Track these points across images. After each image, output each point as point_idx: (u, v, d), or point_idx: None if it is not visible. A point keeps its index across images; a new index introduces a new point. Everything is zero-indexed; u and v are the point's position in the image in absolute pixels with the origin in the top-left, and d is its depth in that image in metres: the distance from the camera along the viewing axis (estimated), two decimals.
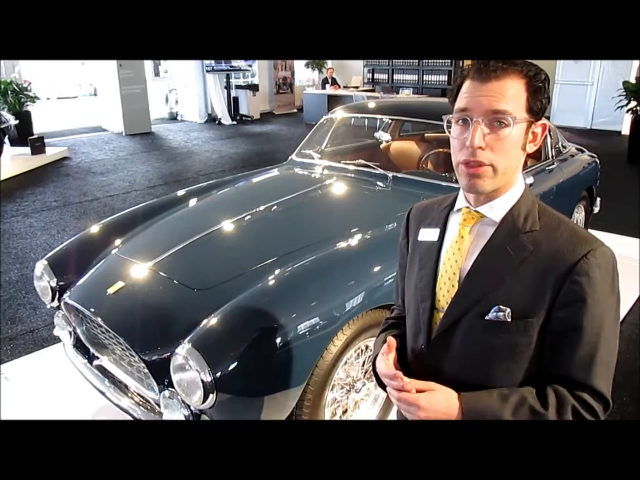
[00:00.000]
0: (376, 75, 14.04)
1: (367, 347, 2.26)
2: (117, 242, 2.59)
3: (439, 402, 0.94)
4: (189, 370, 1.70)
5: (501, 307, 0.95)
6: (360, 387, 2.24)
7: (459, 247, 1.03)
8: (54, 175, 7.66)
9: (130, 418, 2.06)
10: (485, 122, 0.94)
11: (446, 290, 1.04)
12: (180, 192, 3.18)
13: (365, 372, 2.31)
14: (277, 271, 2.07)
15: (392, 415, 2.43)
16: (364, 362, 2.27)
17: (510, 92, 0.93)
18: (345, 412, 2.27)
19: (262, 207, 2.67)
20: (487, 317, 0.97)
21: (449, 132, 1.01)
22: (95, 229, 2.74)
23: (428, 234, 1.12)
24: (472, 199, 1.04)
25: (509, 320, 0.95)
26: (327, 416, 2.12)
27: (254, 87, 13.42)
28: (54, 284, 2.37)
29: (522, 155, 1.00)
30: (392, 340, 1.06)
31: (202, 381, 1.66)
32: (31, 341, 3.34)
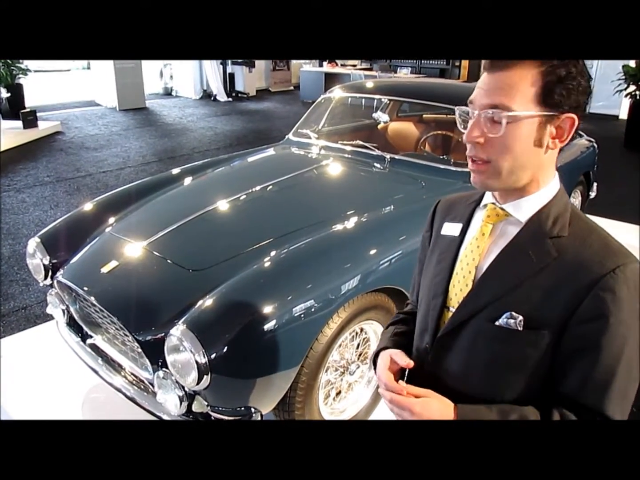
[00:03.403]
0: None
1: (362, 329, 2.26)
2: (111, 220, 2.56)
3: (433, 410, 0.88)
4: (184, 351, 1.69)
5: (514, 313, 0.88)
6: (355, 370, 2.25)
7: (477, 245, 0.97)
8: (46, 150, 7.56)
9: (123, 397, 2.06)
10: (485, 117, 0.87)
11: (459, 289, 0.98)
12: (175, 171, 3.15)
13: (360, 355, 2.31)
14: (272, 253, 2.06)
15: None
16: (358, 345, 2.28)
17: (515, 84, 0.85)
18: (338, 393, 2.28)
19: (258, 187, 2.64)
20: (497, 323, 0.90)
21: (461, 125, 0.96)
22: (88, 206, 2.70)
23: (451, 229, 1.06)
24: (498, 195, 0.97)
25: (520, 329, 0.87)
26: (321, 398, 2.13)
27: (250, 64, 13.22)
28: (46, 262, 2.35)
29: (540, 153, 0.89)
30: (400, 359, 0.99)
31: (197, 362, 1.66)
32: (24, 318, 3.32)
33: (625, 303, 0.82)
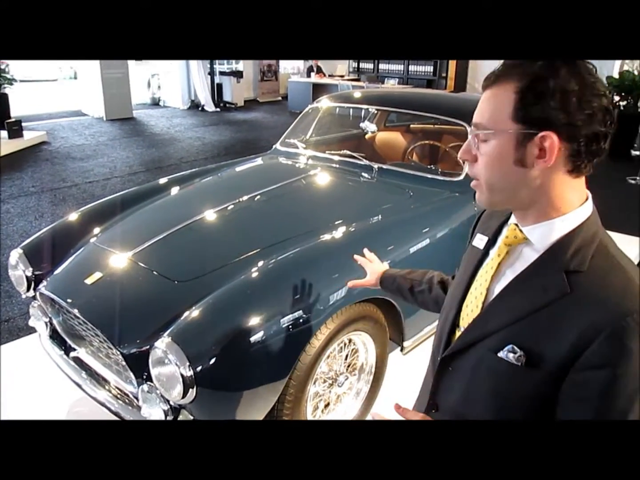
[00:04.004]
0: (362, 65, 13.97)
1: (350, 340, 2.24)
2: (96, 230, 2.52)
3: None
4: (169, 364, 1.66)
5: (515, 347, 0.82)
6: (343, 381, 2.23)
7: (492, 266, 0.92)
8: (32, 160, 7.49)
9: (107, 412, 2.01)
10: (473, 138, 0.87)
11: (470, 309, 0.94)
12: (162, 180, 3.11)
13: (348, 366, 2.29)
14: (260, 263, 2.03)
15: (374, 409, 2.42)
16: (346, 356, 2.25)
17: (493, 101, 0.83)
18: (327, 405, 2.25)
19: (245, 197, 2.62)
20: (499, 354, 0.84)
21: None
22: (73, 216, 2.66)
23: (479, 241, 1.01)
24: (516, 216, 0.91)
25: (519, 364, 0.81)
26: (309, 410, 2.10)
27: (238, 74, 13.26)
28: (29, 274, 2.30)
29: (527, 173, 0.82)
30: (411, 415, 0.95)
31: (182, 376, 1.62)
32: (6, 331, 3.26)
33: (636, 355, 0.73)
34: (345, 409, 2.33)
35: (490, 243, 0.99)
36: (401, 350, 2.47)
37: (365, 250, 1.59)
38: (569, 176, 0.83)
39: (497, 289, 0.90)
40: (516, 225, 0.90)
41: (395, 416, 0.93)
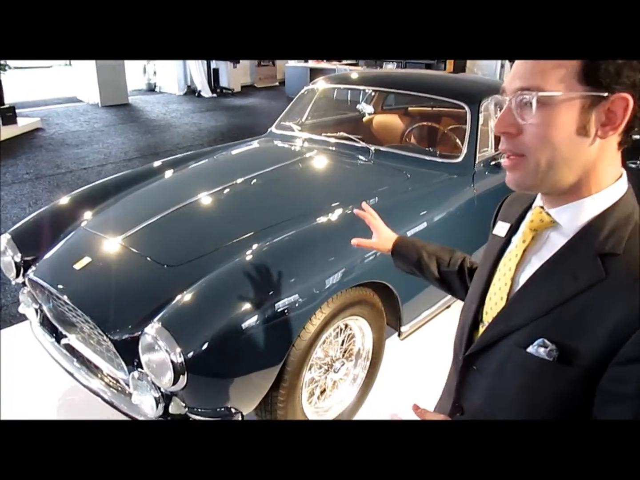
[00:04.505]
0: None
1: (346, 325, 2.20)
2: (87, 215, 2.46)
3: None
4: (159, 350, 1.61)
5: (546, 341, 0.74)
6: (339, 367, 2.18)
7: (516, 254, 0.84)
8: (26, 146, 7.39)
9: (100, 400, 1.97)
10: (516, 102, 0.74)
11: (494, 302, 0.86)
12: (156, 164, 3.05)
13: (345, 352, 2.25)
14: (254, 246, 1.98)
15: (371, 396, 2.38)
16: (343, 341, 2.21)
17: (552, 62, 0.72)
18: (323, 392, 2.21)
19: (239, 180, 2.56)
20: (528, 349, 0.76)
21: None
22: (64, 201, 2.60)
23: (500, 229, 0.93)
24: (544, 197, 0.82)
25: (551, 359, 0.73)
26: (305, 396, 2.06)
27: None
28: (18, 259, 2.25)
29: (587, 144, 0.72)
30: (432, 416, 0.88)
31: (172, 362, 1.58)
32: (0, 319, 3.21)
33: None
34: (342, 395, 2.29)
35: (513, 230, 0.90)
36: (399, 335, 2.43)
37: (364, 204, 1.43)
38: (617, 148, 0.75)
39: (523, 278, 0.82)
40: (541, 207, 0.82)
41: (413, 417, 0.86)
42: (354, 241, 1.34)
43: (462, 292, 1.20)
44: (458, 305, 2.74)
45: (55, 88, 12.81)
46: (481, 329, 0.88)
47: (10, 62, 9.68)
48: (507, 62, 9.88)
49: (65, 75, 13.85)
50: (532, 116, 0.73)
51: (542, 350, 0.74)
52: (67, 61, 15.44)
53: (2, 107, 8.07)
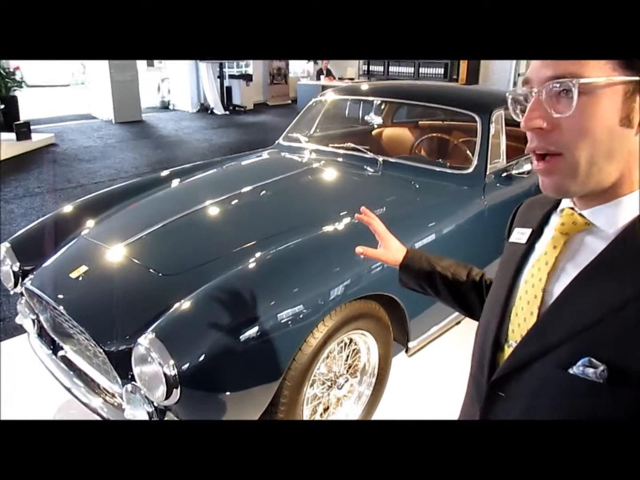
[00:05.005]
0: (372, 67, 13.83)
1: (351, 340, 2.11)
2: (90, 223, 2.42)
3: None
4: (152, 362, 1.54)
5: (594, 360, 0.63)
6: (343, 383, 2.09)
7: (547, 261, 0.74)
8: (39, 161, 7.46)
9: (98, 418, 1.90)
10: (548, 92, 0.66)
11: (522, 318, 0.75)
12: (163, 173, 3.02)
13: (349, 368, 2.16)
14: (257, 254, 1.92)
15: (377, 414, 2.29)
16: (347, 357, 2.12)
17: None
18: (326, 409, 2.12)
19: (244, 190, 2.51)
20: (571, 371, 0.64)
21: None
22: (67, 209, 2.57)
23: (519, 235, 0.84)
24: (577, 198, 0.73)
25: (601, 381, 0.62)
26: (307, 413, 1.97)
27: (247, 77, 13.20)
28: (16, 269, 2.20)
29: (630, 136, 0.65)
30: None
31: (165, 375, 1.50)
32: (2, 330, 3.17)
33: None
34: (346, 413, 2.19)
35: (535, 235, 0.81)
36: (406, 351, 2.33)
37: (364, 208, 1.29)
38: None
39: (557, 289, 0.71)
40: (571, 209, 0.74)
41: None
42: (359, 250, 1.23)
43: (478, 311, 1.08)
44: (468, 321, 2.64)
45: (71, 106, 12.99)
46: (507, 350, 0.77)
47: (29, 81, 9.87)
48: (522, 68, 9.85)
49: (81, 94, 14.04)
50: (570, 107, 0.64)
51: (590, 371, 0.63)
52: (82, 80, 15.68)
53: (17, 122, 8.18)
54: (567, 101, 0.64)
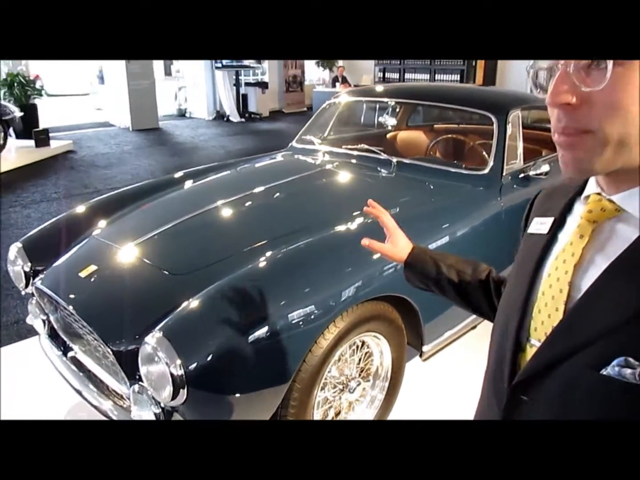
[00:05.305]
0: (387, 75, 13.83)
1: (363, 343, 2.06)
2: (102, 224, 2.41)
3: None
4: (158, 362, 1.51)
5: (631, 360, 0.56)
6: (355, 387, 2.04)
7: (573, 252, 0.68)
8: (56, 167, 7.55)
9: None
10: (576, 66, 0.60)
11: (546, 315, 0.68)
12: (177, 174, 3.01)
13: (361, 371, 2.11)
14: (268, 253, 1.88)
15: (390, 419, 2.23)
16: (359, 360, 2.07)
17: None
18: (338, 413, 2.07)
19: (257, 190, 2.48)
20: (604, 372, 0.58)
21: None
22: (79, 210, 2.57)
23: (539, 225, 0.78)
24: (604, 181, 0.67)
25: (638, 382, 0.56)
26: (317, 417, 1.92)
27: (263, 85, 13.27)
28: (27, 269, 2.20)
29: None
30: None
31: (172, 375, 1.47)
32: (15, 333, 3.18)
33: None
34: (359, 418, 2.14)
35: (558, 224, 0.75)
36: (420, 356, 2.28)
37: (371, 201, 1.24)
38: None
39: (586, 282, 0.65)
40: (598, 194, 0.67)
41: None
42: (365, 241, 1.18)
43: (486, 309, 1.06)
44: (484, 325, 2.58)
45: (90, 114, 13.18)
46: (529, 350, 0.71)
47: (50, 90, 10.03)
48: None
49: (99, 102, 14.25)
50: (602, 80, 0.58)
51: (627, 372, 0.56)
52: (96, 90, 15.92)
53: (36, 129, 8.30)
54: (598, 73, 0.58)
